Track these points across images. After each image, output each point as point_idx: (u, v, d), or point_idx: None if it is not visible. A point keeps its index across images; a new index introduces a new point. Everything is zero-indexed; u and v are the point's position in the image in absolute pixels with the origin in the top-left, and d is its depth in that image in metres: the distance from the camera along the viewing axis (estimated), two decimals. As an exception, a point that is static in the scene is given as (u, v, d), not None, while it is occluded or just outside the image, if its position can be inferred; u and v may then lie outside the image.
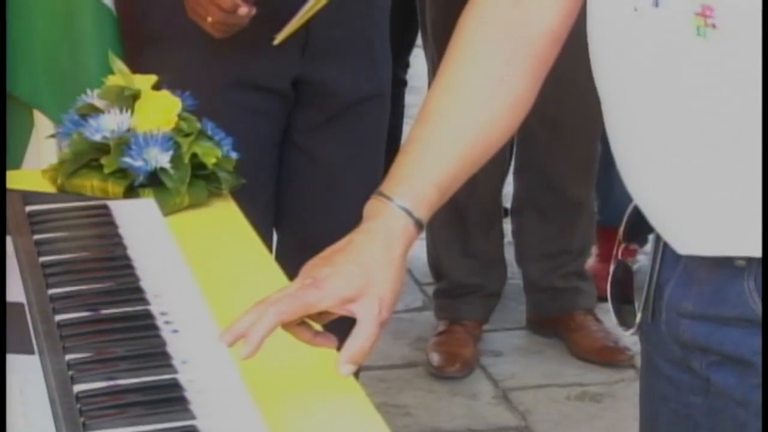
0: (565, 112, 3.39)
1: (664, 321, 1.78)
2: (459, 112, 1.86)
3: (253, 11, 2.73)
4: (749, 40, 1.51)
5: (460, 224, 4.21)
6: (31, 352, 1.65)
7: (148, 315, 1.77)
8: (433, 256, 4.45)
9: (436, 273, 4.46)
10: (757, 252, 1.62)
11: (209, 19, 2.73)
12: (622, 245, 1.99)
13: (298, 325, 1.73)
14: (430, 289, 4.52)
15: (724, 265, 1.65)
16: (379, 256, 1.77)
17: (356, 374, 1.80)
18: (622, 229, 1.96)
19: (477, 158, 1.89)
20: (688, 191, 1.65)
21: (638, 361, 3.74)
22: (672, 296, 1.75)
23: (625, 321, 1.84)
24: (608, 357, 3.93)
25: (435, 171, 1.83)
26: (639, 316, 1.83)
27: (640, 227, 1.89)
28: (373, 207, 1.82)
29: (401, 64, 4.14)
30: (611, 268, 2.00)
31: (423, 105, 1.90)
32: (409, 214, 1.80)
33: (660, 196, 1.72)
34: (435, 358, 4.27)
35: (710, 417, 1.76)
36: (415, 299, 4.51)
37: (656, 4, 1.59)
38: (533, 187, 4.33)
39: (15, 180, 2.35)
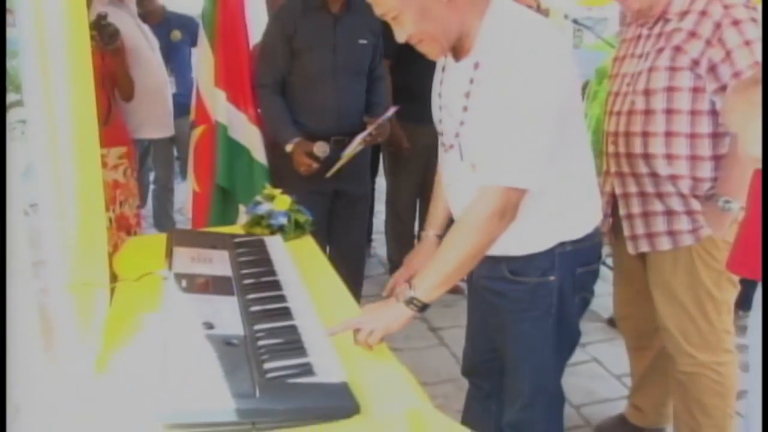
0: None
1: (475, 278, 1.73)
2: (440, 202, 1.78)
3: (317, 165, 2.70)
4: (484, 174, 1.48)
5: (399, 244, 3.83)
6: (233, 294, 1.62)
7: (277, 282, 1.73)
8: (389, 255, 4.00)
9: (390, 262, 4.00)
10: (506, 252, 1.59)
11: (302, 168, 2.71)
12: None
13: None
14: (387, 267, 4.21)
15: (495, 257, 1.59)
16: (427, 251, 1.74)
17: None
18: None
19: (449, 217, 1.77)
20: None
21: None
22: (477, 268, 1.63)
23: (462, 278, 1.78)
24: (455, 289, 3.86)
25: (441, 217, 1.79)
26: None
27: None
28: (423, 233, 1.83)
29: (372, 181, 4.05)
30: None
31: (431, 203, 1.85)
32: (436, 234, 1.79)
33: None
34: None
35: (488, 314, 1.74)
36: (382, 270, 4.29)
37: (462, 159, 1.55)
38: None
39: (231, 229, 2.30)
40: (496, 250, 1.57)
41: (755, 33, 1.88)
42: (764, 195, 1.20)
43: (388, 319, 1.49)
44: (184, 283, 1.62)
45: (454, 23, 1.47)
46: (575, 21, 4.82)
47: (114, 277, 1.79)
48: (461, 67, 1.53)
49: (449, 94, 1.58)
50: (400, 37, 1.49)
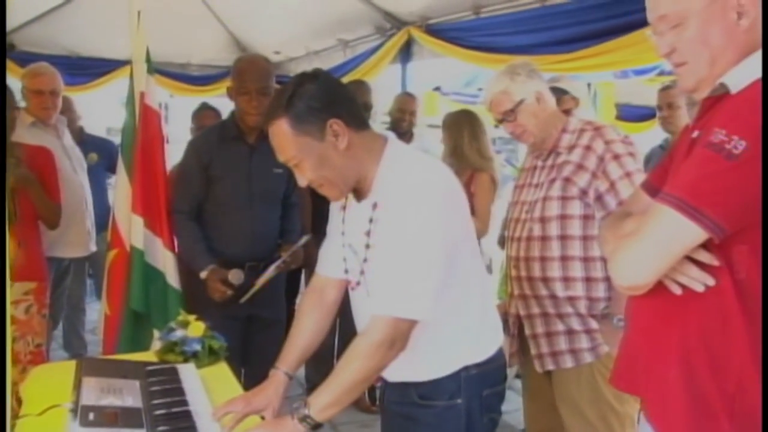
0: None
1: (386, 403, 1.77)
2: (300, 335, 1.80)
3: (231, 292, 2.72)
4: (376, 304, 1.55)
5: (317, 364, 3.76)
6: (142, 427, 1.60)
7: (189, 413, 1.72)
8: (307, 375, 3.96)
9: (308, 382, 3.97)
10: (414, 378, 1.65)
11: (216, 295, 2.72)
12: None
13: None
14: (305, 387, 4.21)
15: (404, 384, 1.67)
16: (273, 393, 1.72)
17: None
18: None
19: (310, 350, 1.81)
20: None
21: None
22: (388, 393, 1.74)
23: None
24: (369, 408, 3.81)
25: (295, 356, 1.78)
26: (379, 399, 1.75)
27: None
28: (272, 371, 1.77)
29: (292, 303, 4.04)
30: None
31: (287, 340, 1.84)
32: (286, 373, 1.75)
33: None
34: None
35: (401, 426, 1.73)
36: (300, 391, 4.25)
37: (368, 295, 1.64)
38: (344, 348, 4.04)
39: (144, 356, 2.27)
40: (405, 377, 1.64)
41: (633, 166, 2.13)
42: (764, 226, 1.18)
43: None
44: (91, 416, 1.60)
45: (351, 169, 1.59)
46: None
47: (18, 409, 1.74)
48: (362, 207, 1.64)
49: (352, 232, 1.67)
50: (302, 181, 1.60)
